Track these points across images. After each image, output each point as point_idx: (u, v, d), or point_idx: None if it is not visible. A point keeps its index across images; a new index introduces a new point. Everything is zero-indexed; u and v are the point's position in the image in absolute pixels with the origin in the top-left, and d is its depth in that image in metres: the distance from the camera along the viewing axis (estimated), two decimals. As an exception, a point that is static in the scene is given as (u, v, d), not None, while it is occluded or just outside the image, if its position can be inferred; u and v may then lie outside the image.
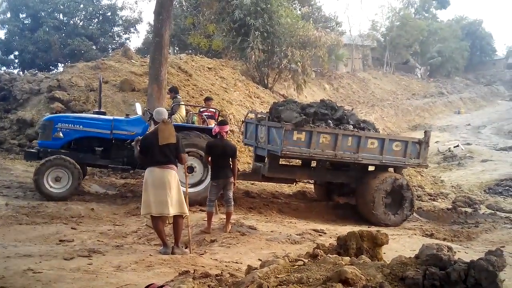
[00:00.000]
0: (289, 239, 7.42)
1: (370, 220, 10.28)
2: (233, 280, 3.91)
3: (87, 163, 10.35)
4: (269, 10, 23.72)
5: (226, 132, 8.07)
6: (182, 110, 10.83)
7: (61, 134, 9.98)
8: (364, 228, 7.29)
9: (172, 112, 10.45)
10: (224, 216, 7.98)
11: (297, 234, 7.73)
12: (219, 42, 24.03)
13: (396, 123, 31.32)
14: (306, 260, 3.80)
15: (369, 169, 11.04)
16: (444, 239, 8.77)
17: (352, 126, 10.41)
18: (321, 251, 4.06)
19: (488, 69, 62.30)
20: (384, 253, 4.84)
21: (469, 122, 32.81)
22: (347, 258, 3.60)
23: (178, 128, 9.47)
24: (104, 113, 10.78)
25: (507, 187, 16.89)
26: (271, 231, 7.86)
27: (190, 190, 9.38)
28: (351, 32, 48.80)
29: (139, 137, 6.67)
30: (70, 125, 10.09)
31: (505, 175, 18.34)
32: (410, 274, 3.10)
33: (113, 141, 10.18)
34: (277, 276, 3.41)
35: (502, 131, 30.41)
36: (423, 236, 8.90)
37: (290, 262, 3.82)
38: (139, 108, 10.51)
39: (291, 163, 12.41)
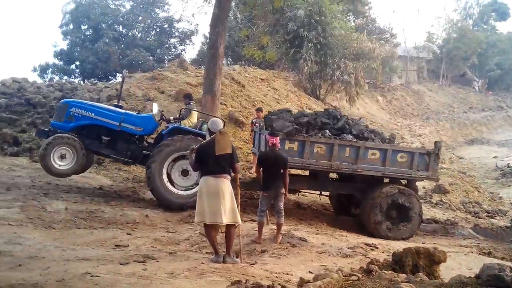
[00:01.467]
0: (340, 252, 7.34)
1: (370, 232, 10.00)
2: (285, 291, 3.90)
3: (93, 150, 10.69)
4: (323, 22, 23.73)
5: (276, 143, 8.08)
6: (194, 117, 11.00)
7: (73, 118, 10.39)
8: (419, 244, 7.14)
9: (181, 117, 10.81)
10: (275, 227, 7.99)
11: (348, 248, 7.63)
12: (272, 53, 24.22)
13: (452, 136, 30.37)
14: (360, 275, 3.75)
15: (377, 181, 10.60)
16: (503, 258, 8.39)
17: (351, 136, 10.20)
18: (376, 266, 3.99)
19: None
20: (440, 270, 4.71)
21: (530, 137, 31.37)
22: (403, 275, 3.52)
23: (176, 131, 10.05)
24: (121, 107, 11.10)
25: None
26: (322, 244, 7.80)
27: (184, 192, 9.90)
28: (406, 43, 48.01)
29: (194, 146, 6.78)
30: (83, 111, 10.44)
31: None
32: (470, 294, 3.01)
33: (120, 133, 10.49)
34: (331, 290, 3.39)
35: None
36: (480, 254, 8.54)
37: (344, 276, 3.78)
38: (155, 108, 10.87)
39: (298, 173, 12.04)
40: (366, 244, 8.04)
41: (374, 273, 3.73)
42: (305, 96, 24.24)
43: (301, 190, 11.22)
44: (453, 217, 12.41)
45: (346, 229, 10.24)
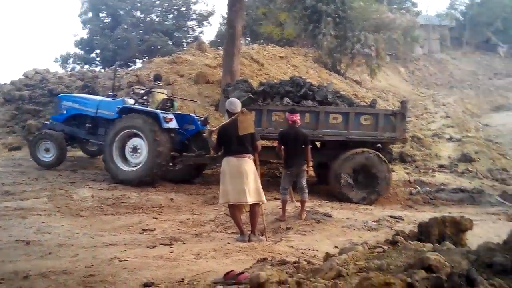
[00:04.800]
0: (365, 226, 7.31)
1: (337, 197, 9.92)
2: (311, 267, 3.89)
3: (79, 136, 11.84)
4: (342, -6, 23.27)
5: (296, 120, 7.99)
6: (157, 95, 11.28)
7: (64, 110, 11.72)
8: (445, 214, 7.02)
9: (145, 94, 11.28)
10: (299, 204, 7.98)
11: (373, 221, 7.59)
12: (291, 30, 23.90)
13: (477, 104, 29.63)
14: (385, 247, 3.71)
15: (345, 146, 10.32)
16: (533, 224, 8.21)
17: (311, 102, 10.01)
18: (401, 237, 3.95)
19: None
20: (467, 239, 4.63)
21: (558, 100, 30.41)
22: (430, 245, 3.47)
23: (128, 110, 10.44)
24: (114, 97, 11.79)
25: None
26: (347, 218, 7.77)
27: (131, 169, 10.24)
28: (427, 12, 46.90)
29: (213, 128, 6.79)
30: (70, 103, 11.73)
31: None
32: (498, 260, 2.94)
33: (98, 119, 11.28)
34: (356, 263, 3.36)
35: None
36: (508, 221, 8.38)
37: (369, 249, 3.75)
38: (139, 92, 11.54)
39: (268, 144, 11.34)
40: (391, 216, 7.97)
41: (399, 244, 3.69)
42: (325, 72, 23.94)
43: (270, 161, 11.04)
44: (479, 185, 12.17)
45: (325, 196, 10.19)
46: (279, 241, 6.52)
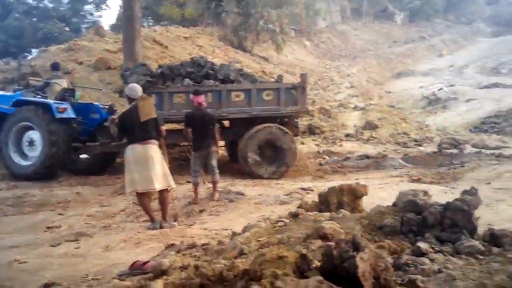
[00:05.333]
0: (277, 200, 7.42)
1: (247, 174, 10.08)
2: (217, 248, 3.90)
3: None
4: (241, -29, 23.23)
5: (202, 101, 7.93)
6: (56, 86, 10.86)
7: None
8: (352, 181, 7.34)
9: (44, 85, 10.78)
10: (211, 185, 7.97)
11: (285, 195, 7.73)
12: (192, 10, 23.55)
13: (380, 72, 31.02)
14: (287, 221, 3.80)
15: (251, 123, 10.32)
16: (431, 182, 8.72)
17: (212, 81, 10.12)
18: (303, 209, 4.06)
19: (467, 7, 61.49)
20: (373, 203, 4.84)
21: (452, 63, 32.53)
22: (327, 214, 3.60)
23: (22, 102, 10.09)
24: (20, 90, 11.02)
25: (492, 124, 16.92)
26: (259, 195, 7.84)
27: (28, 163, 9.94)
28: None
29: (113, 116, 6.60)
30: None
31: (490, 112, 18.33)
32: (388, 222, 3.10)
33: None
34: (258, 239, 3.41)
35: (485, 69, 30.13)
36: (410, 182, 8.86)
37: (271, 224, 3.82)
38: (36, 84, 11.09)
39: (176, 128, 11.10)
40: (302, 188, 8.16)
41: (300, 216, 3.79)
42: (231, 50, 23.91)
43: (179, 144, 10.87)
44: (384, 151, 12.81)
45: (238, 175, 10.29)
46: (192, 225, 6.49)
